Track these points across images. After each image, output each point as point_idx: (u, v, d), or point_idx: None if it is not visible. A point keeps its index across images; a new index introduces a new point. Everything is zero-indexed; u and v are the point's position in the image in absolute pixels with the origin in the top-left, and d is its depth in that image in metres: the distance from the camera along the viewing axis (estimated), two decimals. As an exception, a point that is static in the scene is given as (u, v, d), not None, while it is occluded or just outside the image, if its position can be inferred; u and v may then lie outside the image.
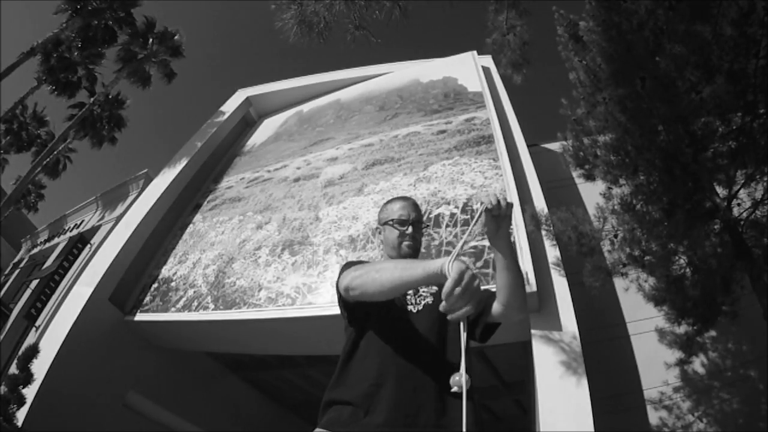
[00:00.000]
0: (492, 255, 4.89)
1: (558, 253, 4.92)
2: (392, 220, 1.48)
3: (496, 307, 1.27)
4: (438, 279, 1.03)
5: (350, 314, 1.31)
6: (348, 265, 1.32)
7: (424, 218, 5.68)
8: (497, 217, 1.14)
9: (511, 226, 5.13)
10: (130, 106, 12.27)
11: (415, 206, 1.53)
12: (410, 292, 1.36)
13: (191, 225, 8.36)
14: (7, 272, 11.69)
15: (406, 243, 1.46)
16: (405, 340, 1.21)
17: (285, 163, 8.82)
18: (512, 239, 1.10)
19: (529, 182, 5.98)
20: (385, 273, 1.11)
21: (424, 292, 1.37)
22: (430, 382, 1.14)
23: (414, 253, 1.47)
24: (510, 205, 1.14)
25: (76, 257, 8.75)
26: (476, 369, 6.63)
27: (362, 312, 1.27)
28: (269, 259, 6.52)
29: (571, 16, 4.99)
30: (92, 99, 11.23)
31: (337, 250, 6.04)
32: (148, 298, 7.06)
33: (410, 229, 1.47)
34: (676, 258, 4.38)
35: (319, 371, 8.36)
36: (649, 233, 4.10)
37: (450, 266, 0.97)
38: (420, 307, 1.33)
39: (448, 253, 5.24)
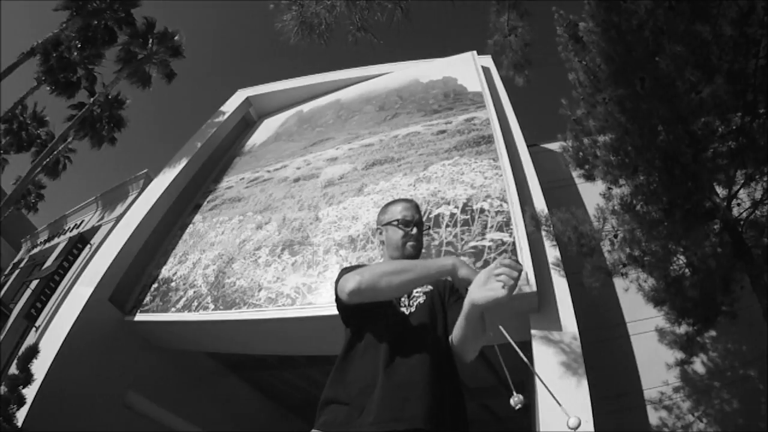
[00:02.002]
0: (491, 256, 4.91)
1: (558, 254, 4.93)
2: (396, 220, 1.49)
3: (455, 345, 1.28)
4: (449, 274, 1.15)
5: (347, 317, 1.34)
6: (346, 270, 1.34)
7: (424, 218, 5.69)
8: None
9: (510, 226, 5.12)
10: (130, 106, 12.27)
11: (417, 208, 1.55)
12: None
13: (191, 225, 8.35)
14: (7, 272, 11.69)
15: (410, 244, 1.46)
16: (397, 340, 1.24)
17: (285, 163, 8.82)
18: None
19: (529, 182, 5.99)
20: (395, 274, 1.17)
21: (416, 293, 1.40)
22: (418, 378, 1.15)
23: (417, 253, 1.48)
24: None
25: (76, 257, 8.75)
26: (475, 369, 6.63)
27: (359, 315, 1.30)
28: (269, 259, 6.52)
29: (571, 16, 5.00)
30: (92, 99, 11.22)
31: (337, 250, 6.04)
32: (148, 299, 7.05)
33: (414, 230, 1.47)
34: (676, 258, 4.39)
35: (319, 371, 8.35)
36: (648, 233, 4.10)
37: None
38: (413, 309, 1.35)
39: (448, 252, 5.24)
